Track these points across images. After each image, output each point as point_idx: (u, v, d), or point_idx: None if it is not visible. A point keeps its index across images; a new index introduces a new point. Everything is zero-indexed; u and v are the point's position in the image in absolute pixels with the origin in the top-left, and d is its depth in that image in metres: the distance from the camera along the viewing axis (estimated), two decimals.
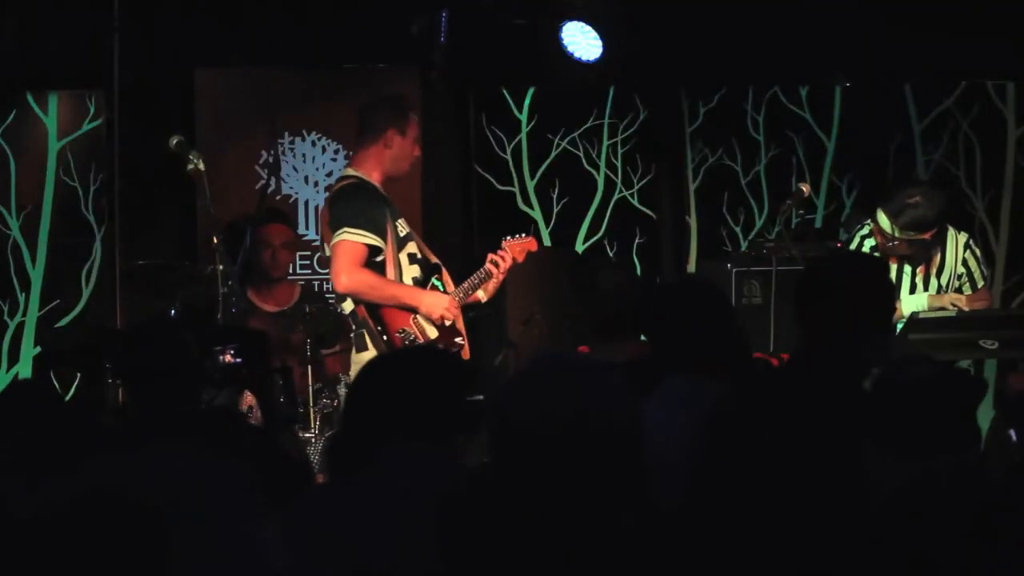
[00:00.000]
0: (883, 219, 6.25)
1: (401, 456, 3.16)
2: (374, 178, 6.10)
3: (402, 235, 6.10)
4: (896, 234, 6.20)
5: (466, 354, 6.14)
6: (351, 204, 6.00)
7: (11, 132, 7.67)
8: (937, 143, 8.30)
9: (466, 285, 6.20)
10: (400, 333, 5.97)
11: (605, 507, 2.40)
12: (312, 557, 3.08)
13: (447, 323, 6.08)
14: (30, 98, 7.69)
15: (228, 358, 5.16)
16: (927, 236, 6.23)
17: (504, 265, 6.22)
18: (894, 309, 3.85)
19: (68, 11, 7.26)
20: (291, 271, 7.41)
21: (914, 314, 6.07)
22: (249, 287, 6.83)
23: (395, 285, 6.03)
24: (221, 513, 2.72)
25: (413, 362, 3.38)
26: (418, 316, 6.04)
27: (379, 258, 6.00)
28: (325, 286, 7.69)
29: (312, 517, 3.14)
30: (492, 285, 6.28)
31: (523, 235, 6.41)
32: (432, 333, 6.05)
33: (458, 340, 6.13)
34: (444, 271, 6.24)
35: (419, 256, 6.17)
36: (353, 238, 5.93)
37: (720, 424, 2.86)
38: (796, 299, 3.94)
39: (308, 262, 7.80)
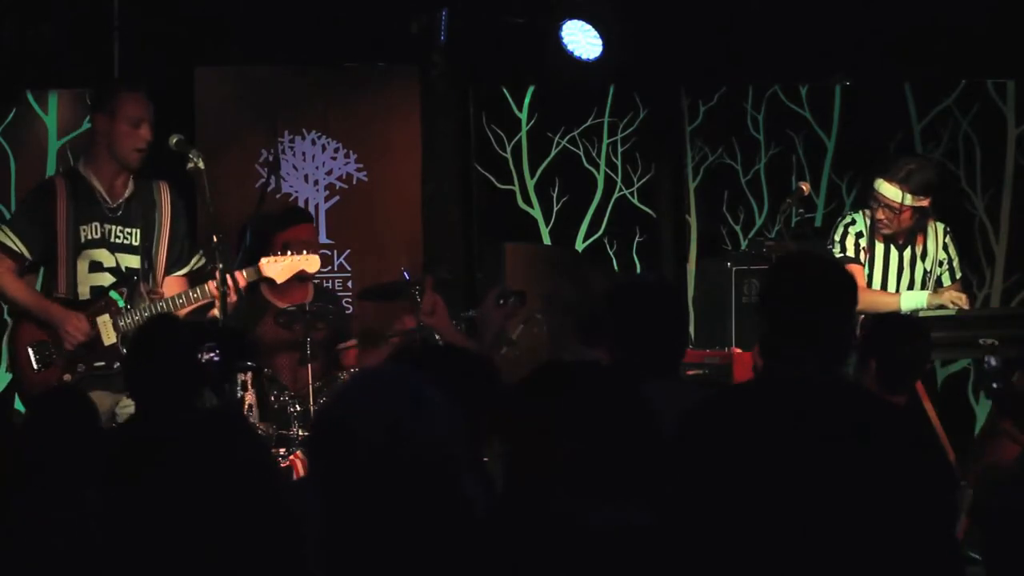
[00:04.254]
0: (889, 188, 6.26)
1: None
2: (98, 172, 5.94)
3: (85, 240, 5.90)
4: (907, 201, 6.22)
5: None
6: (18, 206, 5.95)
7: (11, 131, 7.67)
8: (937, 142, 8.30)
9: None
10: (33, 347, 5.86)
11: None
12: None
13: (69, 344, 5.82)
14: (30, 97, 7.69)
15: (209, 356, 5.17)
16: (926, 203, 6.27)
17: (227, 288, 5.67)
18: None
19: (68, 11, 7.27)
20: None
21: (914, 312, 6.08)
22: (264, 285, 6.80)
23: (33, 298, 5.89)
24: None
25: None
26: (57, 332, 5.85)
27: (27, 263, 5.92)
28: (335, 284, 7.72)
29: None
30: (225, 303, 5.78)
31: (290, 251, 6.16)
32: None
33: (98, 364, 5.86)
34: (138, 286, 5.93)
35: (113, 265, 5.93)
36: (5, 240, 5.89)
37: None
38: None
39: None
